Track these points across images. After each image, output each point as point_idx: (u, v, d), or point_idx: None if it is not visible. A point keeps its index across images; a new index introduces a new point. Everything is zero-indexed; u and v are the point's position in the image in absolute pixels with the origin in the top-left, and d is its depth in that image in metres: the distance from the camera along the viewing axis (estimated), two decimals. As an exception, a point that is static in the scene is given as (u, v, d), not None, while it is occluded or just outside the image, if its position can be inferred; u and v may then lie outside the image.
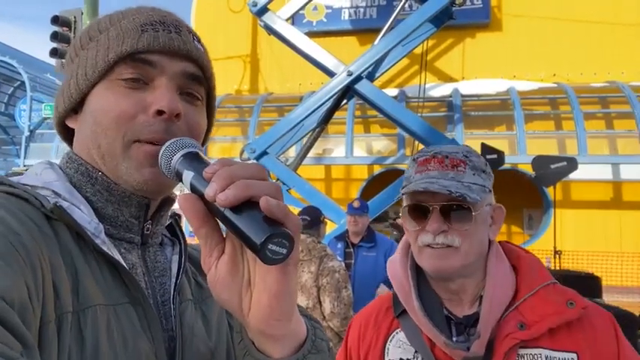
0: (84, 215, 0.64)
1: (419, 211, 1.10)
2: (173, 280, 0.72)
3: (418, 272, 1.17)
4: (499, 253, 1.14)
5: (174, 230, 0.80)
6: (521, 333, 1.03)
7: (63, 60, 6.99)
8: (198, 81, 0.71)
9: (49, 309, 0.54)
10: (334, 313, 3.20)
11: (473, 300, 1.12)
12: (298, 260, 0.56)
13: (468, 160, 1.11)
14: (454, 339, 1.09)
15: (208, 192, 0.52)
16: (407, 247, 1.21)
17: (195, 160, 0.59)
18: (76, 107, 0.70)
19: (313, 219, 3.54)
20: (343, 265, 3.50)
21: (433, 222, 1.07)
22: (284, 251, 0.50)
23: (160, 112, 0.65)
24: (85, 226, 0.63)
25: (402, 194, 1.12)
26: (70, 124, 0.72)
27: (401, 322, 1.17)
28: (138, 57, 0.66)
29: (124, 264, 0.64)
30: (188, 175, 0.57)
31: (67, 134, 0.75)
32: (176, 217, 0.81)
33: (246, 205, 0.51)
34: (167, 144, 0.62)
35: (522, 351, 1.03)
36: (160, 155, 0.62)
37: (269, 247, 0.49)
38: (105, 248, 0.63)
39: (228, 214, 0.51)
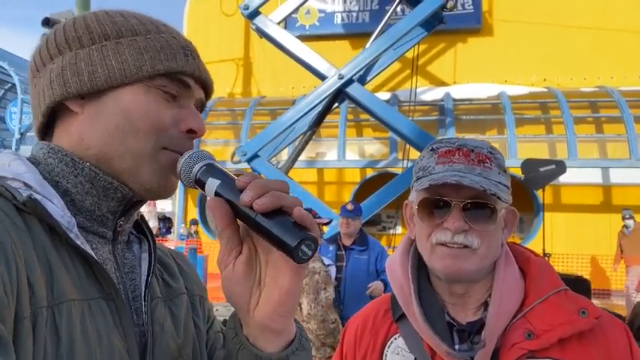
0: (56, 209, 0.63)
1: (437, 206, 1.01)
2: (143, 277, 0.73)
3: (419, 273, 1.09)
4: (509, 256, 1.07)
5: (141, 228, 0.80)
6: (529, 342, 0.96)
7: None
8: (202, 108, 0.79)
9: (24, 304, 0.54)
10: (311, 314, 3.16)
11: (478, 305, 1.04)
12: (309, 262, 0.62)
13: (494, 157, 1.03)
14: (456, 347, 1.01)
15: (245, 198, 0.60)
16: (408, 245, 1.12)
17: (217, 170, 0.66)
18: (89, 93, 0.69)
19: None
20: (326, 267, 3.47)
21: (455, 219, 0.98)
22: (310, 252, 0.59)
23: (190, 131, 0.71)
24: (58, 220, 0.62)
25: (428, 185, 1.00)
26: (73, 106, 0.70)
27: (400, 327, 1.09)
28: (181, 77, 0.72)
29: (97, 258, 0.65)
30: (213, 183, 0.64)
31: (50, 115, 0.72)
32: (142, 214, 0.82)
33: (276, 213, 0.60)
34: (188, 154, 0.68)
35: None
36: (180, 163, 0.68)
37: (301, 248, 0.58)
38: (78, 242, 0.63)
39: (260, 219, 0.60)
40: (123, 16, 0.74)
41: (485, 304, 1.03)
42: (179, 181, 0.71)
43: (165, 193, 0.72)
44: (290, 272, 0.63)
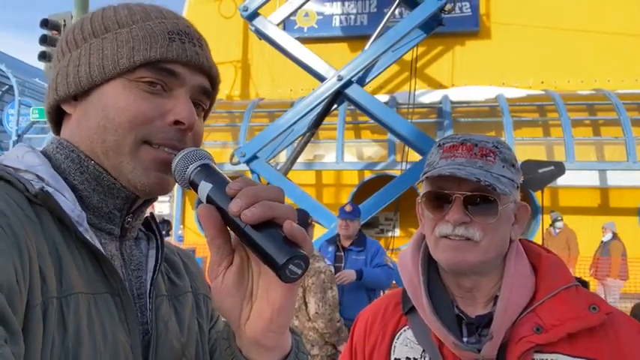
0: (67, 202, 0.63)
1: (440, 200, 1.02)
2: (149, 274, 0.72)
3: (430, 267, 1.10)
4: (519, 252, 1.07)
5: (149, 225, 0.79)
6: (537, 336, 0.96)
7: (52, 64, 6.89)
8: (207, 94, 0.73)
9: (36, 293, 0.54)
10: (319, 313, 3.20)
11: (488, 300, 1.04)
12: (302, 279, 0.58)
13: (499, 151, 1.03)
14: (464, 340, 1.02)
15: (232, 207, 0.55)
16: (420, 240, 1.13)
17: (212, 173, 0.61)
18: (78, 94, 0.69)
19: (301, 222, 3.54)
20: (330, 266, 3.51)
21: (455, 212, 0.98)
22: (300, 272, 0.53)
23: (177, 122, 0.67)
24: (69, 213, 0.62)
25: (425, 178, 1.03)
26: (67, 109, 0.71)
27: (409, 319, 1.10)
28: (164, 66, 0.67)
29: (105, 254, 0.64)
30: (205, 187, 0.59)
31: (56, 117, 0.74)
32: (152, 212, 0.81)
33: (266, 224, 0.54)
34: (183, 153, 0.63)
35: (537, 355, 0.96)
36: (175, 162, 0.64)
37: (289, 267, 0.52)
38: (87, 236, 0.63)
39: (249, 230, 0.54)
40: (116, 8, 0.71)
41: (495, 299, 1.03)
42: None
43: (155, 191, 0.69)
44: (282, 287, 0.59)
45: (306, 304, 3.24)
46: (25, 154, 0.66)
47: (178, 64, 0.68)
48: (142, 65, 0.66)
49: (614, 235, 9.39)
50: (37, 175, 0.63)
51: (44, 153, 0.70)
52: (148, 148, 0.66)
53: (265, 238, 0.54)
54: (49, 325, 0.55)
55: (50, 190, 0.62)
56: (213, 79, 0.74)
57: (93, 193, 0.68)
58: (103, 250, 0.64)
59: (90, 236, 0.63)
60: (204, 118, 0.77)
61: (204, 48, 0.72)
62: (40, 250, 0.57)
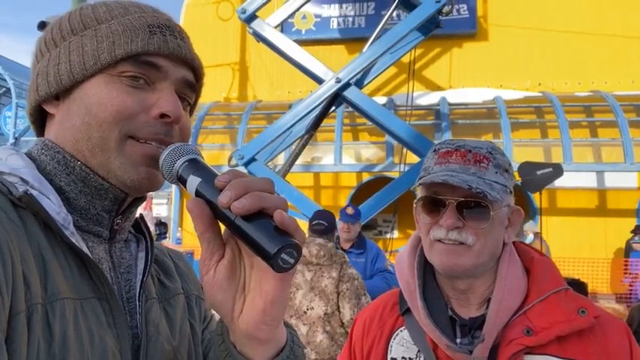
0: (53, 205, 0.62)
1: (434, 205, 1.05)
2: (139, 277, 0.71)
3: (425, 269, 1.13)
4: (512, 255, 1.10)
5: (139, 227, 0.78)
6: (527, 339, 0.99)
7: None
8: (192, 88, 0.72)
9: (20, 299, 0.53)
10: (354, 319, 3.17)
11: (481, 302, 1.08)
12: (295, 270, 0.57)
13: (492, 157, 1.06)
14: (458, 341, 1.05)
15: (222, 199, 0.54)
16: (416, 242, 1.16)
17: (200, 167, 0.60)
18: (60, 93, 0.68)
19: (330, 224, 3.46)
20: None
21: (448, 217, 1.02)
22: (292, 261, 0.53)
23: (163, 116, 0.66)
24: (54, 217, 0.61)
25: (419, 184, 1.07)
26: (50, 109, 0.70)
27: (406, 319, 1.13)
28: (146, 59, 0.66)
29: (92, 257, 0.63)
30: (194, 181, 0.59)
31: (40, 118, 0.72)
32: (141, 214, 0.80)
33: (257, 215, 0.54)
34: (170, 148, 0.63)
35: (528, 357, 1.00)
36: (162, 158, 0.63)
37: (281, 256, 0.52)
38: (73, 240, 0.62)
39: (239, 222, 0.54)
40: (93, 6, 0.71)
41: (489, 301, 1.06)
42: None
43: (144, 187, 0.68)
44: (274, 278, 0.58)
45: (339, 309, 3.22)
46: (8, 156, 0.65)
47: (160, 57, 0.67)
48: (124, 59, 0.65)
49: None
50: (21, 178, 0.62)
51: (29, 155, 0.68)
52: (133, 143, 0.65)
53: (256, 229, 0.53)
54: (34, 332, 0.54)
55: (34, 192, 0.61)
56: (197, 72, 0.73)
57: (80, 194, 0.67)
58: (89, 254, 0.63)
59: (76, 240, 0.62)
60: (191, 113, 0.77)
61: (185, 41, 0.71)
62: (24, 254, 0.56)
